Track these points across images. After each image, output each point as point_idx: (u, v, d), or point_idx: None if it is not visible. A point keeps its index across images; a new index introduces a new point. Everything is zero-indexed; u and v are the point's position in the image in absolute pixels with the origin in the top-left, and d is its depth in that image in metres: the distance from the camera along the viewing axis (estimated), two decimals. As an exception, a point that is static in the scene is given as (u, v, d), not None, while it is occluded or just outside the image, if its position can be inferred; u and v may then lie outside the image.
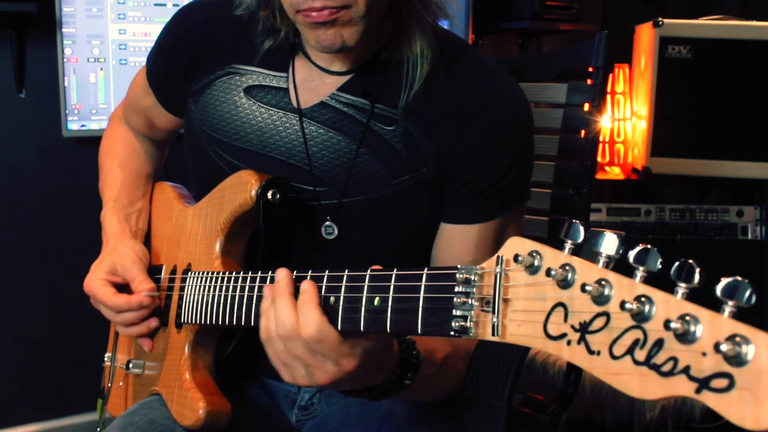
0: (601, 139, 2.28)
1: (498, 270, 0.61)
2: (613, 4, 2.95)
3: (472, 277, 0.63)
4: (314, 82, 1.02)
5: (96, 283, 1.06)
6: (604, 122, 2.41)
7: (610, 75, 1.33)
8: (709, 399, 0.45)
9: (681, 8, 2.74)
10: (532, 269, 0.58)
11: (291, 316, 0.76)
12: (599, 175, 2.43)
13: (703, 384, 0.46)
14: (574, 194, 1.30)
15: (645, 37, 2.28)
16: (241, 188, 0.97)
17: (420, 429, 1.02)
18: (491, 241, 0.99)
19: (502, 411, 1.11)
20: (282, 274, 0.79)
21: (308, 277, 0.79)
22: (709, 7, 2.53)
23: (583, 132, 1.31)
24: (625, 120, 2.48)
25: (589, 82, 1.32)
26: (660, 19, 2.20)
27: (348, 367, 0.76)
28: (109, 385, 1.21)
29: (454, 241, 1.00)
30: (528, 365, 1.84)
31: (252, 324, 0.87)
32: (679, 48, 2.20)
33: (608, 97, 2.44)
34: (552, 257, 0.57)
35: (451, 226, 1.01)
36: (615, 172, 2.48)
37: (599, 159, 2.24)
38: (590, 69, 1.31)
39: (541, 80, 1.44)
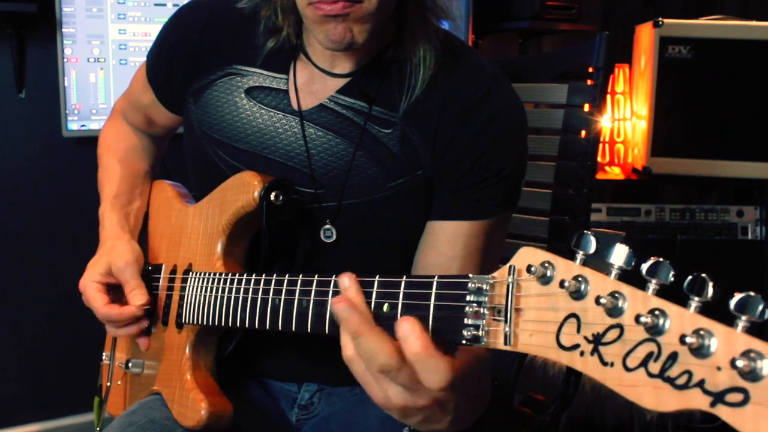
0: (601, 139, 2.28)
1: (510, 280, 0.61)
2: (613, 4, 2.95)
3: (484, 287, 0.63)
4: (316, 84, 1.02)
5: (91, 287, 1.06)
6: (605, 122, 2.41)
7: (611, 75, 1.33)
8: (723, 413, 0.46)
9: (681, 8, 2.74)
10: (544, 279, 0.58)
11: (388, 351, 0.65)
12: (599, 175, 2.43)
13: (718, 398, 0.46)
14: (574, 194, 1.31)
15: (645, 37, 2.28)
16: (244, 190, 0.96)
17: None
18: (477, 243, 0.98)
19: (503, 411, 1.11)
20: (343, 308, 0.68)
21: (314, 281, 0.79)
22: (709, 7, 2.54)
23: (583, 132, 1.31)
24: (625, 120, 2.48)
25: (589, 82, 1.32)
26: (660, 19, 2.20)
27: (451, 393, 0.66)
28: (108, 384, 1.21)
29: (437, 238, 0.99)
30: (528, 365, 1.84)
31: (256, 326, 0.87)
32: (679, 48, 2.20)
33: (608, 97, 2.44)
34: (565, 268, 0.57)
35: (434, 222, 1.00)
36: (615, 172, 2.48)
37: (599, 159, 2.24)
38: (590, 69, 1.32)
39: (541, 81, 1.44)
